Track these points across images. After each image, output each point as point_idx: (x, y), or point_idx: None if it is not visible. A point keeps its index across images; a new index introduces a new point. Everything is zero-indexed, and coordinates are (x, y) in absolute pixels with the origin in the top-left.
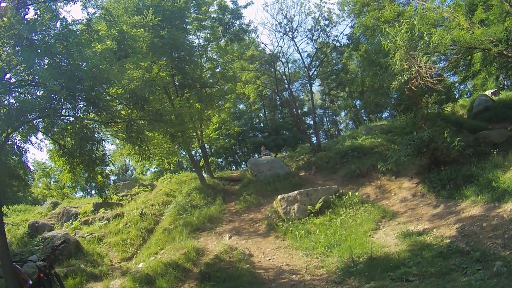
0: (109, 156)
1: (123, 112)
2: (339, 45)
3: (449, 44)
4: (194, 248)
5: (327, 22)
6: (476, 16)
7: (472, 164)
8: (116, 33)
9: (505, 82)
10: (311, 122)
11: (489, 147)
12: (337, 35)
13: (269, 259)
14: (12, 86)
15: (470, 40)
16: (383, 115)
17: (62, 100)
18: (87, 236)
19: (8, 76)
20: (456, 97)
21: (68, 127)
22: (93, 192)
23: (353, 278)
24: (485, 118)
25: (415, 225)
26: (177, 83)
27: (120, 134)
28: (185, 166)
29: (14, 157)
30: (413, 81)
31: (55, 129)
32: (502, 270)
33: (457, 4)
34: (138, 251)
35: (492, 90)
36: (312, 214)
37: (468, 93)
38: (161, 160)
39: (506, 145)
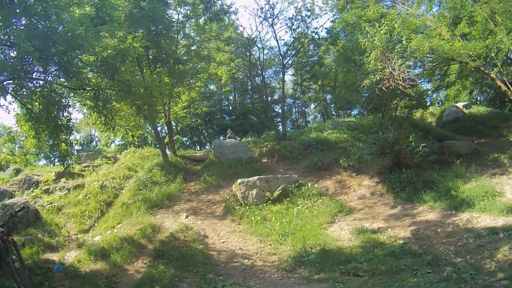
0: (75, 123)
1: (93, 80)
2: (317, 37)
3: (426, 52)
4: (150, 225)
5: (308, 13)
6: (459, 29)
7: (434, 171)
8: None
9: (479, 97)
10: (280, 111)
11: (453, 157)
12: (316, 28)
13: (223, 242)
14: None
15: (449, 51)
16: (352, 112)
17: (34, 62)
18: (46, 205)
19: None
20: (427, 104)
21: (37, 90)
22: (56, 161)
23: (304, 267)
24: (453, 128)
25: (371, 223)
26: (151, 57)
27: (88, 102)
28: (150, 142)
29: None
30: (385, 82)
31: (24, 92)
32: (452, 275)
33: (442, 15)
34: (95, 224)
35: (464, 103)
36: (269, 201)
37: (440, 102)
38: (125, 132)
39: (470, 157)
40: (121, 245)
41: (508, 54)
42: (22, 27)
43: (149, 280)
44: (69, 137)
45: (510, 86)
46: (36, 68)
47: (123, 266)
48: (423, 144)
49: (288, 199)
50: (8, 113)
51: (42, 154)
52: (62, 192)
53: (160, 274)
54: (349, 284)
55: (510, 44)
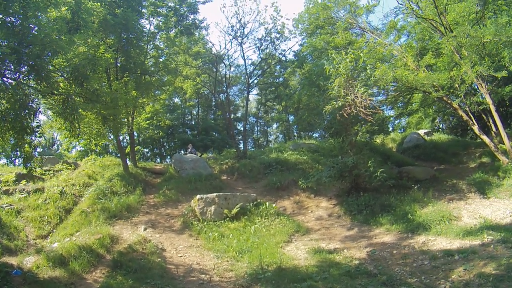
0: (41, 128)
1: (61, 85)
2: (284, 59)
3: (390, 81)
4: (109, 235)
5: (278, 36)
6: (425, 60)
7: (392, 195)
8: (73, 1)
9: (441, 125)
10: (242, 129)
11: (412, 182)
12: (284, 50)
13: (180, 256)
14: None
15: (412, 81)
16: (314, 135)
17: (7, 61)
18: (5, 207)
19: None
20: (389, 130)
21: (9, 90)
22: (16, 161)
23: (260, 284)
24: (413, 154)
25: (327, 243)
26: (119, 64)
27: (56, 108)
28: (110, 151)
29: None
30: (346, 108)
31: None
32: None
33: (409, 46)
34: (54, 230)
35: (426, 130)
36: (227, 218)
37: (402, 129)
38: (89, 140)
39: (429, 183)
40: (79, 253)
41: (472, 85)
42: None
43: None
44: (33, 140)
45: (471, 116)
46: (9, 67)
47: (82, 275)
48: (381, 170)
49: (246, 217)
50: None
51: (3, 153)
52: (22, 194)
53: (118, 285)
54: None
55: (474, 76)
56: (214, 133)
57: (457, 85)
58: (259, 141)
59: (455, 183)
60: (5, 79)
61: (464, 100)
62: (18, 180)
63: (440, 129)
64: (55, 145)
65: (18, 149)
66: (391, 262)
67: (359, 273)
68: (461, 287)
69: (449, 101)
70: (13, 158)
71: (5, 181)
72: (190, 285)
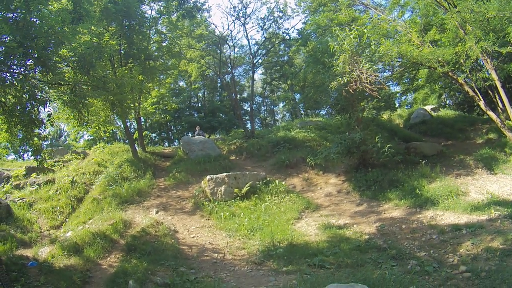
0: (52, 117)
1: (67, 75)
2: (288, 38)
3: (395, 56)
4: (121, 220)
5: (281, 14)
6: (429, 35)
7: (400, 171)
8: None
9: (447, 101)
10: (249, 109)
11: (419, 158)
12: (288, 28)
13: (193, 237)
14: None
15: (417, 57)
16: (321, 112)
17: (13, 56)
18: (18, 201)
19: None
20: (396, 106)
21: (15, 83)
22: (25, 156)
23: (272, 260)
24: (420, 130)
25: (337, 219)
26: (122, 52)
27: (64, 97)
28: (118, 137)
29: None
30: (352, 84)
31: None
32: (416, 268)
33: (413, 21)
34: (67, 220)
35: (432, 106)
36: (238, 197)
37: (409, 105)
38: (97, 127)
39: (436, 158)
40: (93, 240)
41: (478, 61)
42: (1, 19)
43: (122, 274)
44: (42, 132)
45: (477, 92)
46: (15, 61)
47: (97, 261)
48: (389, 145)
49: (256, 195)
50: None
51: (11, 149)
52: (33, 187)
53: (133, 268)
54: (316, 275)
55: (479, 51)
56: (221, 115)
57: (462, 61)
58: (266, 121)
59: (462, 158)
60: (10, 73)
61: (470, 76)
62: (28, 174)
63: (446, 105)
64: (63, 136)
65: (26, 143)
66: (400, 237)
67: (369, 248)
68: (469, 261)
69: (454, 77)
70: (21, 153)
71: (16, 176)
72: (204, 264)
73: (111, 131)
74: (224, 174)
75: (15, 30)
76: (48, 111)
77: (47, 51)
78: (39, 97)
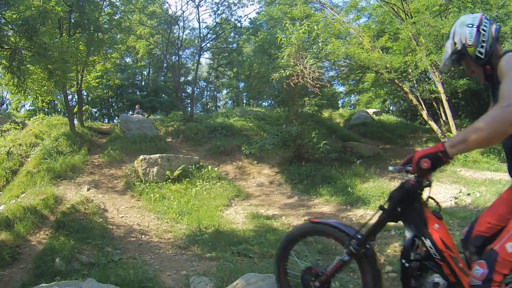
0: None
1: (12, 39)
2: (240, 26)
3: (341, 56)
4: (53, 196)
5: (236, 1)
6: (381, 41)
7: (334, 168)
8: None
9: (391, 107)
10: (191, 92)
11: (355, 157)
12: (241, 16)
13: (122, 217)
14: None
15: (365, 60)
16: (263, 104)
17: None
18: None
19: None
20: (339, 106)
21: None
22: None
23: (197, 246)
24: (360, 131)
25: (266, 209)
26: (72, 20)
27: (3, 62)
28: (59, 110)
29: None
30: (294, 78)
31: None
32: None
33: (367, 26)
34: (1, 192)
35: (375, 110)
36: (169, 180)
37: (352, 106)
38: (36, 97)
39: (372, 160)
40: (24, 215)
41: (427, 74)
42: None
43: (50, 252)
44: None
45: (422, 101)
46: None
47: (26, 236)
48: (325, 142)
49: (188, 179)
50: None
51: None
52: None
53: (60, 246)
54: (238, 264)
55: (428, 64)
56: (163, 95)
57: (410, 70)
58: (208, 106)
59: (399, 163)
60: None
61: (416, 86)
62: None
63: (390, 111)
64: (4, 105)
65: None
66: None
67: None
68: (395, 261)
69: (400, 84)
70: None
71: None
72: (130, 245)
73: (51, 102)
74: (158, 155)
75: None
76: None
77: None
78: None
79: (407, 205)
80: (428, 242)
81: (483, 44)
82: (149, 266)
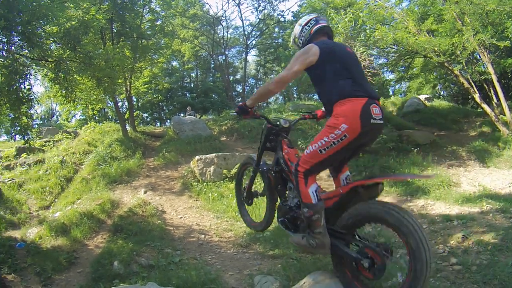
0: (36, 95)
1: (55, 52)
2: (283, 20)
3: (390, 42)
4: (109, 200)
5: None
6: (426, 24)
7: (391, 158)
8: None
9: (442, 92)
10: (241, 90)
11: (411, 146)
12: (283, 11)
13: (180, 217)
14: None
15: (413, 44)
16: (314, 97)
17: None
18: (7, 181)
19: None
20: (390, 94)
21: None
22: (17, 136)
23: (258, 244)
24: (413, 119)
25: None
26: (114, 30)
27: (49, 74)
28: (110, 117)
29: None
30: None
31: None
32: (404, 257)
33: (410, 10)
34: (56, 200)
35: (427, 96)
36: (227, 179)
37: (403, 93)
38: (85, 105)
39: (429, 148)
40: (81, 220)
41: (474, 54)
42: None
43: (108, 255)
44: (30, 110)
45: (473, 84)
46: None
47: (83, 241)
48: None
49: (245, 177)
50: None
51: (2, 130)
52: (23, 168)
53: (119, 249)
54: (302, 261)
55: (476, 44)
56: (213, 95)
57: (458, 52)
58: (259, 103)
59: (455, 149)
60: None
61: (465, 68)
62: (18, 154)
63: (441, 96)
64: (54, 116)
65: (16, 121)
66: None
67: None
68: (459, 253)
69: (450, 67)
70: (13, 134)
71: (6, 156)
72: (190, 245)
73: (102, 110)
74: (214, 154)
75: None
76: (28, 85)
77: (33, 25)
78: (25, 74)
79: (271, 140)
80: (281, 160)
81: (301, 37)
82: (210, 266)
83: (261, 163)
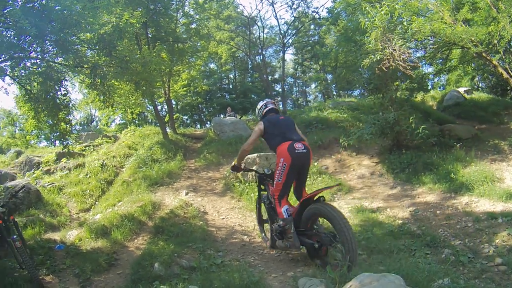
0: (73, 101)
1: (90, 58)
2: (318, 17)
3: (428, 34)
4: (150, 202)
5: None
6: (461, 14)
7: (434, 153)
8: None
9: (480, 84)
10: (280, 90)
11: (453, 141)
12: (317, 7)
13: (222, 218)
14: None
15: (450, 35)
16: (353, 93)
17: (32, 40)
18: (47, 185)
19: None
20: (429, 87)
21: (34, 68)
22: (57, 142)
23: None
24: (453, 113)
25: (370, 202)
26: (150, 35)
27: (86, 80)
28: (150, 120)
29: None
30: (385, 62)
31: (23, 73)
32: (450, 257)
33: (445, 0)
34: (96, 203)
35: (466, 88)
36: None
37: (441, 87)
38: (124, 110)
39: (471, 142)
40: (121, 222)
41: (511, 43)
42: (19, 7)
43: (149, 256)
44: (68, 116)
45: None
46: (34, 47)
47: (124, 243)
48: (423, 126)
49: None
50: (7, 94)
51: (42, 136)
52: (63, 172)
53: (159, 250)
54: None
55: None
56: (252, 95)
57: (495, 41)
58: (298, 102)
59: (497, 143)
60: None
61: (504, 57)
62: (58, 159)
63: (479, 88)
64: (94, 122)
65: (55, 127)
66: (435, 223)
67: (402, 233)
68: (505, 252)
69: (488, 58)
70: (53, 140)
71: (46, 162)
72: (232, 246)
73: (141, 113)
74: (255, 154)
75: (29, 14)
76: (64, 91)
77: (66, 33)
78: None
79: (263, 183)
80: (269, 195)
81: (259, 115)
82: (253, 268)
83: (263, 196)
